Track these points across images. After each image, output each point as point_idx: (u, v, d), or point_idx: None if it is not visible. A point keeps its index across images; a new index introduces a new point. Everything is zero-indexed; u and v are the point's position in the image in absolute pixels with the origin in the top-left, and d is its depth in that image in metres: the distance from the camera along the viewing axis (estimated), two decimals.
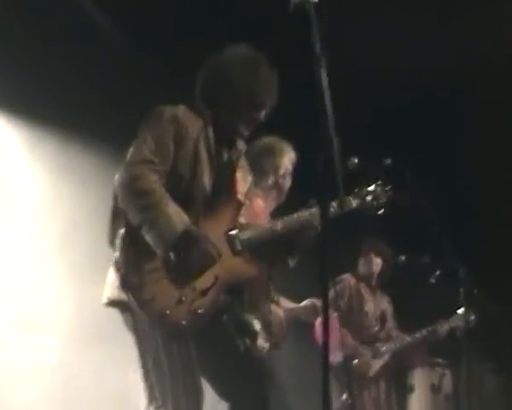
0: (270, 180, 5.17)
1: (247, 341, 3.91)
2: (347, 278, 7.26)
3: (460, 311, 6.66)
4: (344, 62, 5.38)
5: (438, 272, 6.10)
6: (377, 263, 7.28)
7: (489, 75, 7.30)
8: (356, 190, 4.17)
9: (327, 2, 3.15)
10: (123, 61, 6.73)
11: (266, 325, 4.94)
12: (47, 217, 6.85)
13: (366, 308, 7.20)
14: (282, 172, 5.17)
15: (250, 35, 6.22)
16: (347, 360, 6.71)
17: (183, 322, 3.58)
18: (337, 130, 3.01)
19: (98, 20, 6.57)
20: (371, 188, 4.21)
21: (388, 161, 4.74)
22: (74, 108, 6.59)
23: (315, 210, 3.97)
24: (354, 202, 4.13)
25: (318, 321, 5.89)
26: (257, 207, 4.94)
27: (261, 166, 5.13)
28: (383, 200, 4.20)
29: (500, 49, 7.25)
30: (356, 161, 4.25)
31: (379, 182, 4.23)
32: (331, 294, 3.24)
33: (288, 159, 5.18)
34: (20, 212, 6.82)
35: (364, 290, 7.27)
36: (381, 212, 4.20)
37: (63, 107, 6.59)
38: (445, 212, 5.20)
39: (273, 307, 5.06)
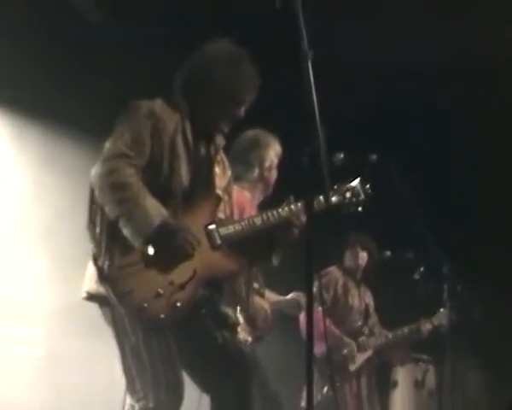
0: (256, 172, 5.17)
1: (226, 333, 3.89)
2: (333, 271, 7.28)
3: (442, 309, 6.71)
4: (332, 57, 5.38)
5: (422, 268, 6.12)
6: (363, 257, 7.31)
7: (487, 74, 7.33)
8: (335, 187, 4.12)
9: None
10: (108, 51, 6.68)
11: (249, 319, 4.95)
12: (30, 208, 6.81)
13: (351, 302, 7.22)
14: (267, 164, 5.18)
15: (235, 28, 6.26)
16: (331, 351, 6.72)
17: (162, 315, 3.57)
18: (323, 124, 3.01)
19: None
20: (351, 185, 4.16)
21: (374, 157, 4.75)
22: (58, 99, 6.55)
23: (294, 206, 3.96)
24: (333, 199, 4.08)
25: (303, 314, 5.90)
26: (243, 199, 4.94)
27: (247, 159, 5.15)
28: (362, 197, 4.15)
29: (499, 49, 7.26)
30: (341, 155, 4.26)
31: (359, 179, 4.19)
32: (316, 287, 3.25)
33: (273, 151, 5.19)
34: (3, 203, 6.78)
35: (350, 284, 7.29)
36: (360, 209, 4.16)
37: (47, 97, 6.55)
38: (431, 207, 5.22)
39: (258, 299, 5.07)
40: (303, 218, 3.92)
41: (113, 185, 3.54)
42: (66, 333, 6.51)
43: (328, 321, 6.72)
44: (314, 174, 3.02)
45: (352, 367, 6.95)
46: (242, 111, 3.98)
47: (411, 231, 5.02)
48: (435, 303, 6.62)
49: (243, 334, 4.91)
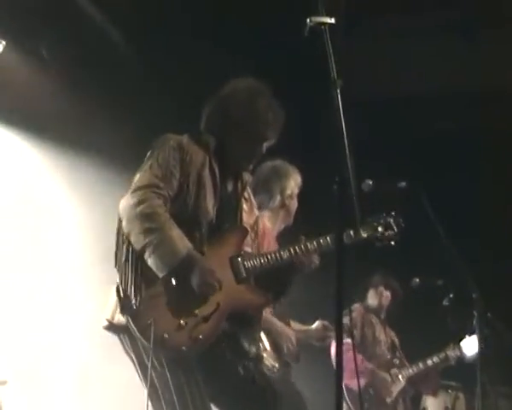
0: (278, 201, 5.19)
1: (250, 364, 3.88)
2: (358, 308, 7.25)
3: (468, 336, 6.67)
4: (357, 86, 5.39)
5: (451, 295, 6.08)
6: (386, 296, 7.29)
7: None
8: (367, 220, 4.08)
9: (343, 24, 3.16)
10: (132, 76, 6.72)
11: (275, 345, 4.95)
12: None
13: (378, 336, 7.19)
14: (288, 192, 5.22)
15: (264, 58, 6.30)
16: (367, 386, 6.73)
17: (183, 347, 3.59)
18: (352, 153, 3.02)
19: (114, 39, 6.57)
20: (383, 218, 4.12)
21: (403, 183, 4.74)
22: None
23: (323, 242, 3.96)
24: (365, 233, 4.05)
25: (334, 345, 5.88)
26: (264, 229, 4.96)
27: (269, 188, 5.19)
28: (395, 231, 4.11)
29: None
30: (370, 183, 4.25)
31: (392, 213, 4.16)
32: (345, 320, 3.25)
33: (293, 181, 5.23)
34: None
35: (375, 320, 7.26)
36: (392, 243, 4.12)
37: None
38: (460, 236, 5.20)
39: (283, 327, 5.06)
40: (315, 258, 3.97)
41: (141, 215, 3.58)
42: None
43: (360, 357, 6.71)
44: (343, 202, 3.01)
45: (389, 399, 6.91)
46: (264, 148, 4.01)
47: (441, 259, 5.00)
48: (465, 331, 6.57)
49: (270, 360, 4.91)
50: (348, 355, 3.19)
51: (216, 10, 6.42)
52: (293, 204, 5.29)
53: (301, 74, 5.98)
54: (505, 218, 7.75)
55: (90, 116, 6.44)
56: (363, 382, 6.62)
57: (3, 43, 5.98)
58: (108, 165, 6.55)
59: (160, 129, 3.96)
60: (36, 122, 6.53)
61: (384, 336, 7.25)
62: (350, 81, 3.11)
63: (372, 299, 7.32)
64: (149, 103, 6.58)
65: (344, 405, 2.96)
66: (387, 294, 7.27)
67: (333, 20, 3.13)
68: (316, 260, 4.00)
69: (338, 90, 3.05)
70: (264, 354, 4.86)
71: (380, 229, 4.08)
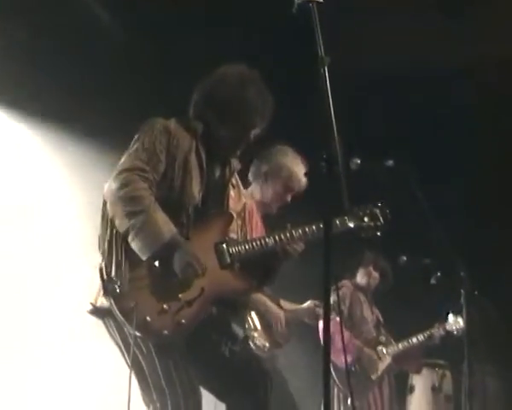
0: (263, 170, 5.19)
1: (236, 348, 3.88)
2: (347, 284, 7.26)
3: (453, 315, 6.71)
4: (347, 63, 5.36)
5: (438, 274, 6.09)
6: (375, 277, 7.30)
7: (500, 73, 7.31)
8: (354, 210, 4.03)
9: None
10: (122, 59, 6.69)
11: (265, 324, 4.95)
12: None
13: (365, 314, 7.21)
14: (273, 167, 5.18)
15: (251, 35, 6.27)
16: (353, 363, 6.75)
17: (165, 331, 3.57)
18: (340, 131, 3.00)
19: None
20: (370, 209, 4.06)
21: (390, 162, 4.73)
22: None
23: (308, 230, 3.92)
24: (351, 223, 4.00)
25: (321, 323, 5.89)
26: (252, 212, 4.95)
27: (277, 164, 5.16)
28: (381, 222, 4.06)
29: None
30: (358, 161, 4.23)
31: (379, 203, 4.08)
32: (333, 298, 3.24)
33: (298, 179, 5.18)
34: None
35: (362, 299, 7.28)
36: (378, 234, 4.07)
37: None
38: (448, 212, 5.20)
39: (272, 307, 5.06)
40: (298, 246, 3.96)
41: (126, 198, 3.56)
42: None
43: (348, 333, 6.73)
44: (331, 180, 2.99)
45: (374, 376, 6.94)
46: (252, 135, 3.97)
47: (428, 237, 5.00)
48: (451, 309, 6.60)
49: (260, 340, 4.92)
50: (335, 332, 3.18)
51: None
52: (276, 184, 5.23)
53: (288, 52, 5.94)
54: (492, 196, 7.75)
55: (89, 98, 6.42)
56: (350, 358, 6.64)
57: None
58: (108, 148, 6.52)
59: (154, 113, 3.91)
60: (33, 103, 6.50)
61: (370, 314, 7.27)
62: (336, 59, 3.08)
63: (361, 277, 7.34)
64: (146, 86, 6.54)
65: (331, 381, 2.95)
66: (376, 274, 7.29)
67: None
68: (299, 247, 3.98)
69: (325, 68, 3.04)
70: (255, 334, 4.87)
71: (366, 219, 4.04)
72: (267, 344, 4.95)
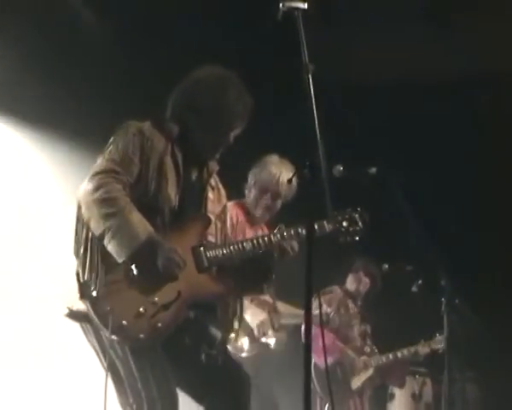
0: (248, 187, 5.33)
1: (212, 351, 3.84)
2: (336, 290, 7.28)
3: (439, 335, 6.72)
4: (333, 71, 5.40)
5: (420, 281, 6.12)
6: (365, 282, 7.31)
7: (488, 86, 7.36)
8: (333, 214, 3.95)
9: (316, 8, 3.16)
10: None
11: (245, 327, 4.97)
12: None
13: (352, 322, 7.23)
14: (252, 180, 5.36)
15: (236, 40, 6.28)
16: (335, 364, 6.76)
17: (141, 335, 3.55)
18: (323, 138, 3.02)
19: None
20: (348, 213, 4.00)
21: (373, 170, 4.75)
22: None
23: (286, 233, 3.90)
24: (329, 227, 3.94)
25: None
26: (238, 218, 4.98)
27: (258, 167, 5.34)
28: (360, 226, 3.99)
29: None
30: (341, 168, 4.26)
31: (358, 208, 4.02)
32: (319, 304, 3.27)
33: (264, 172, 5.32)
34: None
35: (351, 305, 7.30)
36: (357, 238, 4.00)
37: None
38: (429, 220, 5.22)
39: (255, 310, 5.08)
40: (294, 244, 3.92)
41: (100, 200, 3.53)
42: None
43: (332, 336, 6.75)
44: (314, 187, 3.02)
45: (355, 385, 6.95)
46: (231, 138, 3.95)
47: (410, 244, 5.03)
48: (433, 319, 6.63)
49: (240, 342, 4.94)
50: (318, 332, 3.21)
51: None
52: (256, 186, 5.36)
53: (273, 59, 5.97)
54: (478, 202, 7.80)
55: (77, 101, 6.45)
56: (331, 359, 6.65)
57: None
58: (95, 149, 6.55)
59: (136, 114, 3.90)
60: (21, 108, 6.55)
61: (358, 322, 7.28)
62: (322, 66, 3.11)
63: (351, 283, 7.35)
64: (136, 89, 6.57)
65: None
66: (366, 280, 7.30)
67: (305, 6, 3.13)
68: (296, 246, 3.94)
69: (310, 75, 3.06)
70: (234, 337, 4.88)
71: (344, 224, 3.97)
72: (247, 346, 4.97)
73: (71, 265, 3.70)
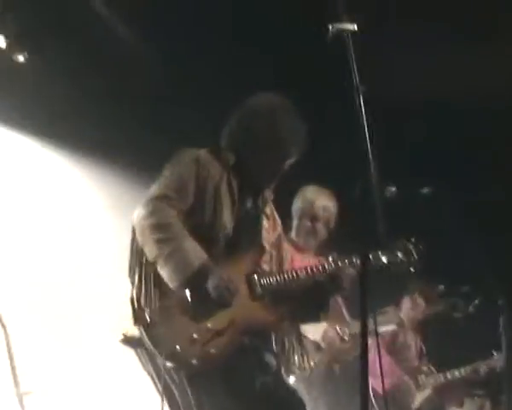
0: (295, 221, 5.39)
1: (268, 378, 3.78)
2: (391, 311, 7.20)
3: (496, 353, 6.62)
4: (381, 92, 5.37)
5: (477, 301, 6.04)
6: (420, 304, 7.23)
7: None
8: (388, 245, 3.93)
9: (365, 29, 3.14)
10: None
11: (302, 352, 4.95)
12: None
13: (409, 341, 7.16)
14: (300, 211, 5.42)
15: (284, 64, 6.28)
16: (392, 389, 6.70)
17: (195, 361, 3.53)
18: (375, 159, 2.99)
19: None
20: (403, 244, 3.98)
21: (426, 190, 4.71)
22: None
23: (341, 262, 3.88)
24: (383, 258, 3.91)
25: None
26: (293, 253, 4.98)
27: (300, 195, 5.44)
28: (415, 258, 3.97)
29: None
30: (393, 189, 4.22)
31: (412, 238, 3.99)
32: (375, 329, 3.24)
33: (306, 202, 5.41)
34: None
35: (407, 326, 7.22)
36: (412, 270, 4.00)
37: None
38: (485, 238, 5.16)
39: (325, 330, 5.08)
40: (349, 272, 3.88)
41: (154, 226, 3.55)
42: None
43: (389, 359, 6.70)
44: (366, 209, 2.98)
45: (413, 406, 6.87)
46: (286, 165, 3.94)
47: (467, 264, 4.97)
48: (491, 338, 6.53)
49: (295, 368, 4.92)
50: (375, 356, 3.18)
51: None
52: (299, 214, 5.45)
53: (323, 81, 5.95)
54: None
55: (121, 127, 6.55)
56: (389, 382, 6.58)
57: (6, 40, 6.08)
58: (137, 175, 6.58)
59: (191, 143, 3.93)
60: (68, 133, 6.67)
61: (414, 342, 7.21)
62: (372, 86, 3.09)
63: (406, 305, 7.28)
64: (184, 117, 6.61)
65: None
66: (422, 302, 7.22)
67: (355, 27, 3.12)
68: (349, 276, 3.88)
69: (360, 96, 3.04)
70: (291, 362, 4.86)
71: (399, 255, 3.96)
72: (304, 370, 4.96)
73: (125, 290, 3.73)
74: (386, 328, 6.64)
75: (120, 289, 3.81)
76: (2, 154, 6.76)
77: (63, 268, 6.62)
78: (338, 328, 5.36)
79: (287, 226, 5.25)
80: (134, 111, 6.58)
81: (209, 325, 3.57)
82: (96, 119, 6.50)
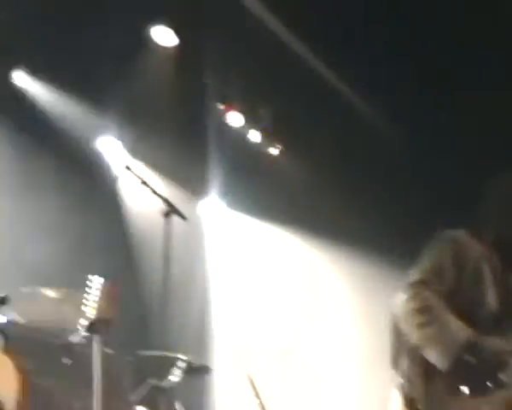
0: None
1: None
2: None
3: None
4: None
5: None
6: None
7: None
8: None
9: None
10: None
11: None
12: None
13: None
14: None
15: None
16: None
17: None
18: None
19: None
20: None
21: None
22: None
23: None
24: None
25: None
26: None
27: None
28: None
29: None
30: None
31: None
32: None
33: None
34: None
35: None
36: None
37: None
38: None
39: None
40: None
41: (414, 310, 3.59)
42: None
43: None
44: None
45: None
46: None
47: None
48: None
49: None
50: None
51: None
52: None
53: None
54: None
55: (364, 211, 6.78)
56: None
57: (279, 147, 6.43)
58: (382, 259, 6.71)
59: (448, 224, 3.95)
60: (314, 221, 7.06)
61: None
62: None
63: None
64: (419, 197, 6.75)
65: None
66: None
67: None
68: None
69: None
70: None
71: None
72: None
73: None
74: None
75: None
76: (251, 241, 7.20)
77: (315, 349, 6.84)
78: None
79: None
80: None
81: (483, 407, 3.50)
82: (357, 209, 6.74)
